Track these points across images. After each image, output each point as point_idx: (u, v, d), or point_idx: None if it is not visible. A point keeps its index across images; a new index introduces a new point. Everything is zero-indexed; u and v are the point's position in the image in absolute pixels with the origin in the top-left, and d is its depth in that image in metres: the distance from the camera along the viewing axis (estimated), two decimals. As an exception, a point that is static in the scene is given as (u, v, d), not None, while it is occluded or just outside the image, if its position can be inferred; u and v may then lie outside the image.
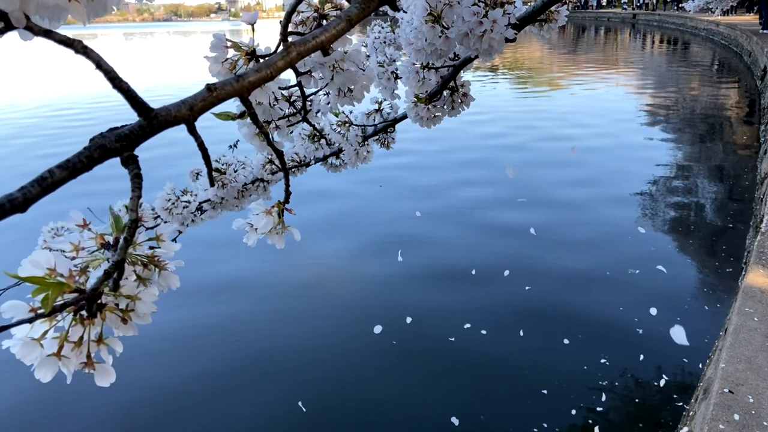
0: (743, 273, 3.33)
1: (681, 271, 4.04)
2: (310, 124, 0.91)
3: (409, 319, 3.48)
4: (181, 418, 2.77)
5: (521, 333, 3.30)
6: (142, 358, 3.12)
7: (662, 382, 2.85)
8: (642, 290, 3.71)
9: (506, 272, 4.05)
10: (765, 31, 15.71)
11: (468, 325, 3.39)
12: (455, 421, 2.65)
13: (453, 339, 3.28)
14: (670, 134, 8.08)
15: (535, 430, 2.58)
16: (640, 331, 3.25)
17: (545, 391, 2.82)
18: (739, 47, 16.65)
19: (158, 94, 12.41)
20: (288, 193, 0.56)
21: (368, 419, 2.72)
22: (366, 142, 1.06)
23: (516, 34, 0.75)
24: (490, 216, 5.14)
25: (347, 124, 0.99)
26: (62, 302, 0.36)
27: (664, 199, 5.55)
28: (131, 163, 0.34)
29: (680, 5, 27.94)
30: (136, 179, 0.35)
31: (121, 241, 0.36)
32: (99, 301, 0.38)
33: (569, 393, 2.80)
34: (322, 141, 1.03)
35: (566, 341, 3.20)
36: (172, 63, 23.40)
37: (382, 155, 1.20)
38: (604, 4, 48.11)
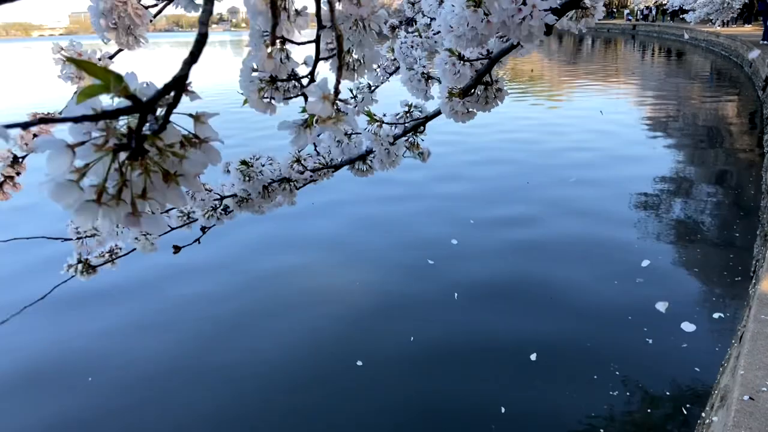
0: (755, 281, 3.30)
1: (688, 280, 4.01)
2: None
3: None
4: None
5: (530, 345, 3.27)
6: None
7: (672, 392, 2.81)
8: (649, 300, 3.67)
9: (515, 289, 4.03)
10: (765, 42, 15.82)
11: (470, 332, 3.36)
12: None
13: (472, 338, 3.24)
14: (672, 145, 8.06)
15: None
16: (650, 341, 3.21)
17: (553, 401, 2.78)
18: (739, 58, 16.73)
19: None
20: (338, 81, 0.51)
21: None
22: (395, 143, 1.03)
23: (557, 20, 0.73)
24: (488, 235, 5.12)
25: (378, 122, 0.97)
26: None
27: (669, 209, 5.53)
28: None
29: (680, 16, 28.15)
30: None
31: (187, 56, 0.33)
32: (145, 143, 0.34)
33: (578, 403, 2.76)
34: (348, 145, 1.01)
35: (575, 352, 3.17)
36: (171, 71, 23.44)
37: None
38: (603, 15, 48.30)
